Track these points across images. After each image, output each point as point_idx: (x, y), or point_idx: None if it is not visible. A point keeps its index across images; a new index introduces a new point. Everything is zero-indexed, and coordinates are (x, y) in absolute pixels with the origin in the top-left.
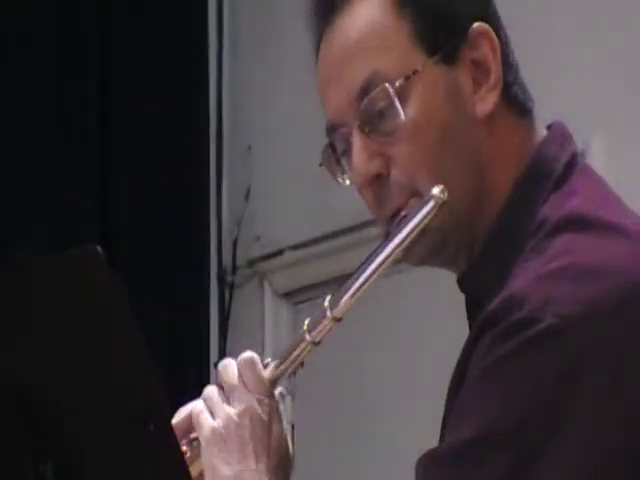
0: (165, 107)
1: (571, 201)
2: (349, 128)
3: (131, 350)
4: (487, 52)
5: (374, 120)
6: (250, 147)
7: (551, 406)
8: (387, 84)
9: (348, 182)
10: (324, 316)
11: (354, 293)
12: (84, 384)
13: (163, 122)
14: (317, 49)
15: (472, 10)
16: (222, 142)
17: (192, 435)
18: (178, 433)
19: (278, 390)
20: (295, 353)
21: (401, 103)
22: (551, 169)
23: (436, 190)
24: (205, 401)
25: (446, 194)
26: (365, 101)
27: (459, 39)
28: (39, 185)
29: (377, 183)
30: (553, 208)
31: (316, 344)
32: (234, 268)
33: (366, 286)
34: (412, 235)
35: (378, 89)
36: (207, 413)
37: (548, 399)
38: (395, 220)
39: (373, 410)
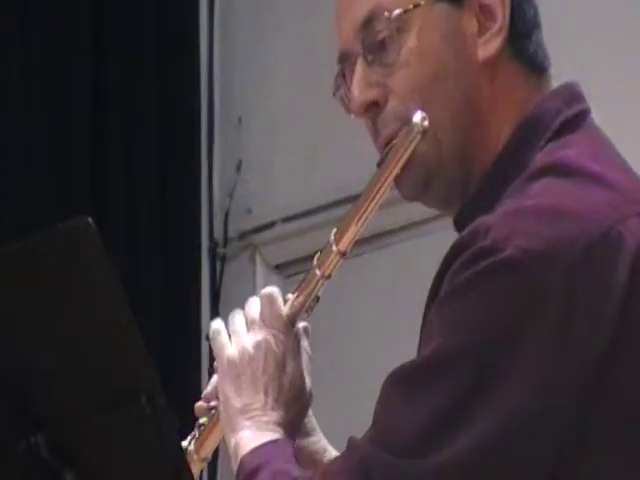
0: (156, 79)
1: (563, 151)
2: (356, 57)
3: (119, 323)
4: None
5: (376, 50)
6: (241, 119)
7: (502, 334)
8: (387, 13)
9: (353, 115)
10: (330, 250)
11: (355, 226)
12: (74, 357)
13: (154, 94)
14: None
15: None
16: (213, 114)
17: (212, 403)
18: (205, 402)
19: (301, 325)
20: (309, 288)
21: (401, 35)
22: (551, 120)
23: (417, 117)
24: (230, 330)
25: (427, 122)
26: (368, 30)
27: None
28: (33, 164)
29: (374, 111)
30: (545, 155)
31: (327, 277)
32: (225, 240)
33: (365, 218)
34: (399, 163)
35: (379, 19)
36: (227, 342)
37: (500, 327)
38: (386, 149)
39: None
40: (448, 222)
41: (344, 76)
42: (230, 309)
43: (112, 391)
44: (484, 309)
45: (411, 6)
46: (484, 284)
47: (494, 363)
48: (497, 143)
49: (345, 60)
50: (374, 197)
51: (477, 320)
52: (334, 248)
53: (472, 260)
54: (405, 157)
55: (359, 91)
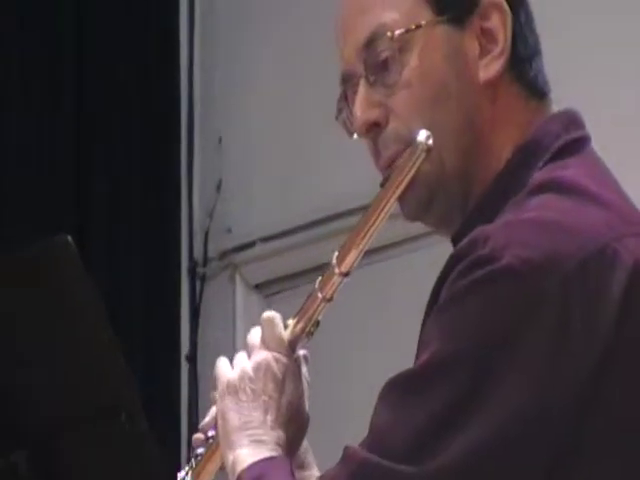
0: (136, 98)
1: (561, 171)
2: (358, 78)
3: (100, 342)
4: (497, 23)
5: (378, 70)
6: (221, 139)
7: (498, 340)
8: (389, 33)
9: (355, 137)
10: (332, 272)
11: (357, 246)
12: (56, 375)
13: (134, 113)
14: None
15: None
16: (193, 133)
17: (209, 433)
18: (203, 432)
19: (302, 352)
20: (310, 312)
21: (402, 55)
22: (550, 143)
23: (422, 137)
24: (233, 362)
25: (431, 141)
26: (371, 50)
27: (469, 7)
28: (16, 180)
29: (375, 132)
30: (544, 173)
31: (328, 300)
32: (205, 260)
33: (368, 238)
34: (403, 182)
35: (382, 39)
36: (227, 367)
37: (496, 333)
38: (389, 170)
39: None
40: (441, 237)
41: (346, 99)
42: (210, 328)
43: (92, 408)
44: (481, 316)
45: (413, 26)
46: (481, 291)
47: (490, 369)
48: (497, 163)
49: (347, 82)
50: (377, 217)
51: (474, 326)
52: (336, 270)
53: (470, 268)
54: (409, 176)
55: (361, 111)
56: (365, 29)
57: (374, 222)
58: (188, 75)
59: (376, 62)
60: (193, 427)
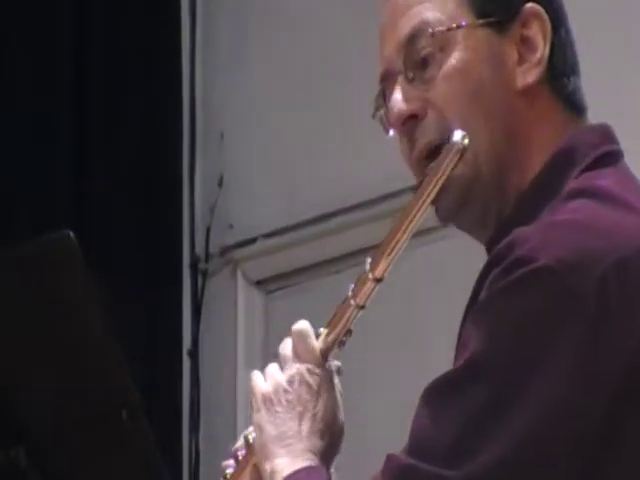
0: (138, 94)
1: (597, 180)
2: (397, 75)
3: (101, 338)
4: (537, 32)
5: (417, 67)
6: (223, 134)
7: (535, 341)
8: (430, 30)
9: (391, 133)
10: (366, 278)
11: (391, 251)
12: (56, 372)
13: (136, 109)
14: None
15: None
16: (195, 129)
17: (239, 453)
18: (234, 455)
19: (335, 363)
20: (343, 320)
21: (442, 53)
22: (586, 152)
23: (457, 136)
24: (265, 374)
25: (467, 140)
26: (411, 47)
27: (510, 13)
28: (17, 174)
29: (412, 124)
30: (579, 181)
31: (361, 308)
32: (207, 256)
33: (402, 243)
34: (438, 183)
35: (423, 36)
36: (261, 380)
37: (533, 335)
38: (425, 170)
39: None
40: (443, 233)
41: (384, 97)
42: (211, 324)
43: (93, 405)
44: (518, 316)
45: (454, 25)
46: (519, 292)
47: (528, 370)
48: (532, 169)
49: (386, 80)
50: (412, 220)
51: (511, 327)
52: (370, 276)
53: (508, 269)
54: (445, 176)
55: (399, 103)
56: (407, 27)
57: (408, 225)
58: (190, 71)
59: (416, 59)
60: (194, 422)
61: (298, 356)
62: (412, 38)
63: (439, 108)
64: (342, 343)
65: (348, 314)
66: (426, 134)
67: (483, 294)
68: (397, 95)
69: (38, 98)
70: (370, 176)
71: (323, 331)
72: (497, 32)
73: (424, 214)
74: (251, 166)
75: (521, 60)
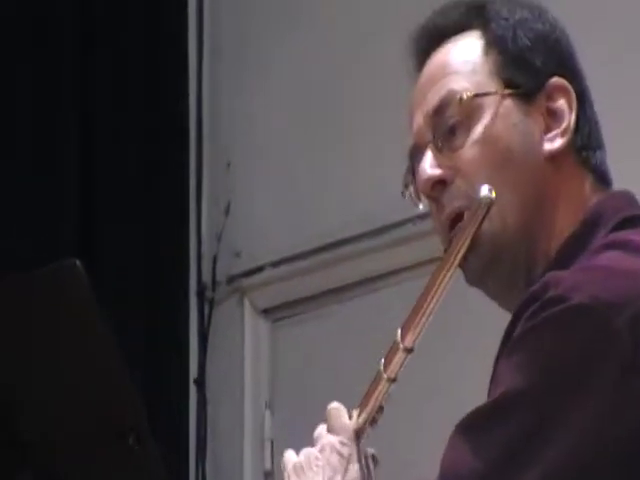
0: (145, 122)
1: (626, 235)
2: (425, 146)
3: (109, 365)
4: (563, 104)
5: (446, 136)
6: (230, 163)
7: (568, 377)
8: (459, 97)
9: (422, 207)
10: (397, 349)
11: (422, 320)
12: (64, 398)
13: (143, 137)
14: (416, 78)
15: (554, 67)
16: (202, 158)
17: None
18: None
19: (370, 451)
20: (374, 398)
21: (470, 120)
22: (613, 215)
23: (484, 190)
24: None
25: (493, 194)
26: (440, 116)
27: (536, 87)
28: (22, 203)
29: (440, 190)
30: (606, 239)
31: (393, 381)
32: (214, 284)
33: (432, 310)
34: (466, 240)
35: (451, 105)
36: (292, 453)
37: (566, 371)
38: (452, 232)
39: None
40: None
41: (413, 173)
42: (218, 352)
43: (100, 431)
44: (553, 352)
45: (482, 92)
46: (553, 329)
47: (563, 404)
48: (559, 234)
49: (415, 155)
50: (441, 284)
51: (546, 363)
52: (401, 346)
53: (542, 308)
54: (473, 229)
55: (428, 169)
56: (435, 98)
57: (437, 290)
58: (197, 99)
59: (444, 127)
60: (201, 450)
61: (331, 431)
62: (440, 108)
63: (467, 174)
64: (374, 421)
65: (379, 390)
66: (454, 200)
67: (517, 331)
68: (426, 162)
69: (42, 122)
70: (377, 204)
71: (355, 413)
72: (524, 102)
73: (453, 277)
74: (258, 195)
75: (547, 129)
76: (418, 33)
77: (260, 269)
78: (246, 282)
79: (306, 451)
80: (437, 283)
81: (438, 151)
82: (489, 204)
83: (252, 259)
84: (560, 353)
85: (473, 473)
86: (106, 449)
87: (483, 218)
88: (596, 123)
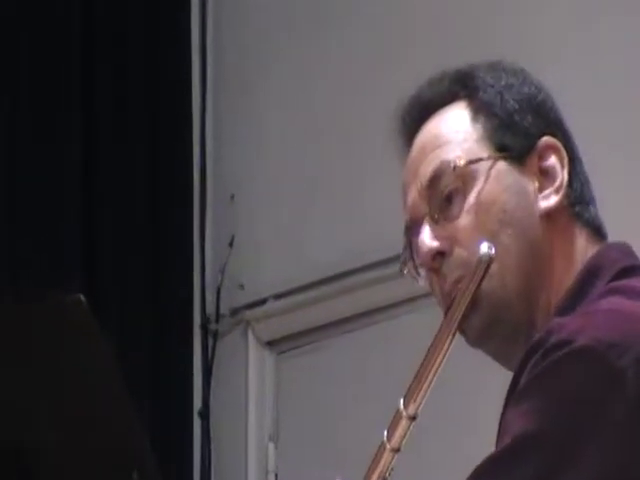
0: (149, 156)
1: (625, 282)
2: (422, 220)
3: (114, 399)
4: (554, 162)
5: (442, 207)
6: (233, 196)
7: (575, 422)
8: (452, 165)
9: (422, 282)
10: (400, 418)
11: (424, 386)
12: (67, 433)
13: (147, 170)
14: (406, 157)
15: (543, 126)
16: (205, 191)
17: None
18: None
19: None
20: (378, 469)
21: (465, 187)
22: (611, 266)
23: (484, 248)
24: None
25: (493, 250)
26: (434, 188)
27: (527, 148)
28: (24, 226)
29: (440, 261)
30: (606, 287)
31: (397, 451)
32: (218, 316)
33: (434, 375)
34: (467, 296)
35: (445, 175)
36: None
37: (573, 414)
38: (453, 293)
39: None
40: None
41: (410, 249)
42: (222, 385)
43: (104, 465)
44: (560, 396)
45: (475, 158)
46: (560, 372)
47: (573, 446)
48: (558, 289)
49: (410, 230)
50: (442, 348)
51: (554, 407)
52: (404, 414)
53: (548, 352)
54: (474, 286)
55: (427, 241)
56: (428, 170)
57: (439, 354)
58: (200, 132)
59: (440, 198)
60: None
61: None
62: (434, 179)
63: (465, 242)
64: None
65: (383, 462)
66: (454, 270)
67: (523, 379)
68: (424, 234)
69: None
70: (381, 236)
71: None
72: (517, 164)
73: (454, 338)
74: (261, 227)
75: (541, 188)
76: (404, 109)
77: (264, 301)
78: (250, 314)
79: None
80: (439, 346)
81: (435, 222)
82: (489, 261)
83: (256, 291)
84: (566, 397)
85: None
86: None
87: (484, 275)
88: (586, 178)
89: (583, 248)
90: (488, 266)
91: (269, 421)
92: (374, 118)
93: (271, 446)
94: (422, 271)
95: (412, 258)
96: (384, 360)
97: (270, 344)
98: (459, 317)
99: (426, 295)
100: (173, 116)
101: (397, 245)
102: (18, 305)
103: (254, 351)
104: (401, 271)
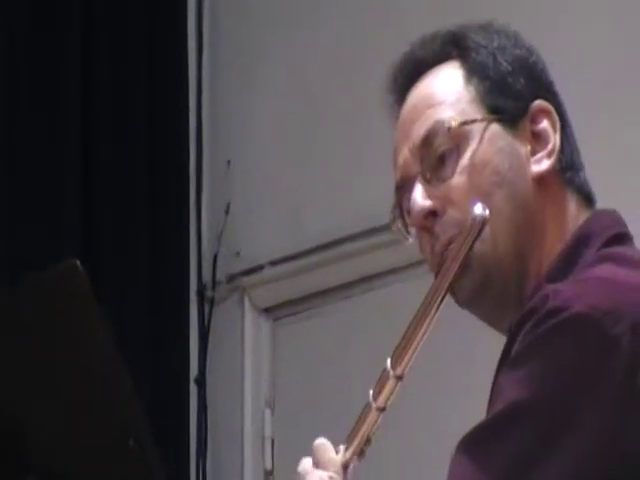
0: (145, 123)
1: (616, 249)
2: (413, 180)
3: (109, 366)
4: (547, 127)
5: (434, 166)
6: (229, 162)
7: (571, 389)
8: (446, 126)
9: (411, 240)
10: (387, 378)
11: (413, 346)
12: (64, 401)
13: (143, 137)
14: (394, 123)
15: (536, 90)
16: (202, 157)
17: None
18: None
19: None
20: (362, 430)
21: (459, 148)
22: (602, 232)
23: (478, 209)
24: None
25: (487, 211)
26: (427, 147)
27: (520, 111)
28: (23, 202)
29: (432, 221)
30: (597, 254)
31: (382, 410)
32: (214, 283)
33: (423, 335)
34: (459, 257)
35: (439, 134)
36: None
37: (569, 382)
38: (445, 253)
39: None
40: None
41: (400, 207)
42: (218, 352)
43: (101, 432)
44: (555, 363)
45: (469, 119)
46: (554, 339)
47: (569, 412)
48: (549, 252)
49: (402, 188)
50: (432, 309)
51: (549, 373)
52: (391, 374)
53: (543, 319)
54: (467, 247)
55: (418, 201)
56: (421, 130)
57: (428, 316)
58: (196, 99)
59: (433, 158)
60: (201, 450)
61: (319, 466)
62: (428, 138)
63: (458, 202)
64: (362, 453)
65: (368, 422)
66: (447, 230)
67: (517, 345)
68: (416, 193)
69: (47, 125)
70: (377, 203)
71: (342, 447)
72: (509, 127)
73: (444, 300)
74: (258, 194)
75: (533, 152)
76: (396, 67)
77: (260, 268)
78: (246, 281)
79: None
80: (429, 307)
81: (427, 182)
82: (483, 222)
83: (252, 258)
84: (561, 365)
85: None
86: (106, 451)
87: (477, 235)
88: (576, 144)
89: (574, 214)
90: (482, 227)
91: (265, 387)
92: (372, 85)
93: (267, 412)
94: (412, 230)
95: (402, 216)
96: (380, 327)
97: (266, 311)
98: (450, 278)
99: (422, 262)
100: (169, 82)
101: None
102: (15, 277)
103: (250, 318)
104: (390, 227)
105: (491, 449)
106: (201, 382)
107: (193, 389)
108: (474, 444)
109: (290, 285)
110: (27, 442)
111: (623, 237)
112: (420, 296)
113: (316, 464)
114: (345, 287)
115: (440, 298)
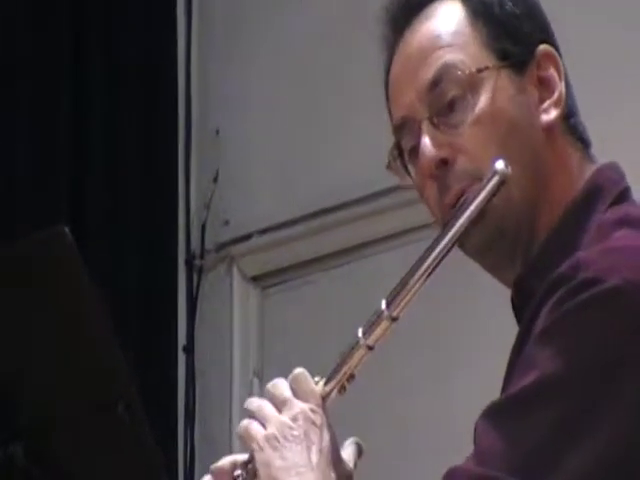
0: (135, 93)
1: (628, 210)
2: (419, 123)
3: (97, 333)
4: (552, 72)
5: (443, 111)
6: (218, 131)
7: (607, 364)
8: (459, 72)
9: (410, 182)
10: (380, 316)
11: (413, 289)
12: (51, 368)
13: (133, 107)
14: (389, 56)
15: (540, 34)
16: (190, 126)
17: (236, 473)
18: (224, 476)
19: (355, 440)
20: (349, 363)
21: (471, 94)
22: (611, 188)
23: (500, 164)
24: (254, 414)
25: (510, 168)
26: (436, 91)
27: (527, 55)
28: (13, 168)
29: (442, 170)
30: (612, 214)
31: (370, 349)
32: (202, 252)
33: (422, 280)
34: (472, 215)
35: (450, 78)
36: (256, 425)
37: (605, 356)
38: (457, 204)
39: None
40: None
41: (400, 148)
42: (207, 320)
43: (90, 400)
44: (589, 338)
45: (483, 67)
46: (588, 314)
47: (603, 389)
48: (559, 204)
49: (402, 129)
50: (435, 260)
51: (583, 347)
52: (386, 313)
53: (575, 291)
54: (485, 201)
55: (428, 150)
56: (429, 71)
57: (434, 260)
58: (185, 68)
59: (442, 102)
60: (189, 418)
61: (299, 397)
62: (437, 81)
63: (471, 152)
64: (343, 388)
65: (355, 357)
66: (460, 179)
67: (544, 317)
68: (426, 140)
69: (34, 94)
70: (367, 171)
71: (320, 379)
72: (518, 73)
73: (451, 250)
74: (246, 162)
75: (541, 99)
76: (393, 1)
77: (249, 237)
78: (235, 250)
79: (278, 421)
80: (434, 253)
81: (434, 127)
82: (504, 178)
83: (241, 227)
84: (596, 341)
85: (510, 463)
86: (95, 418)
87: (496, 191)
88: (571, 87)
89: (579, 164)
90: (502, 183)
91: (254, 356)
92: (360, 53)
93: (256, 381)
94: (411, 169)
95: (400, 156)
96: (369, 295)
97: (255, 279)
98: (461, 230)
99: (411, 230)
100: (158, 51)
101: (382, 181)
102: (4, 243)
103: (239, 286)
104: (388, 167)
105: (523, 420)
106: (189, 350)
107: (181, 357)
108: (504, 414)
109: (279, 254)
110: (14, 407)
111: (628, 193)
112: (409, 264)
113: (296, 394)
114: (334, 256)
115: (449, 247)
